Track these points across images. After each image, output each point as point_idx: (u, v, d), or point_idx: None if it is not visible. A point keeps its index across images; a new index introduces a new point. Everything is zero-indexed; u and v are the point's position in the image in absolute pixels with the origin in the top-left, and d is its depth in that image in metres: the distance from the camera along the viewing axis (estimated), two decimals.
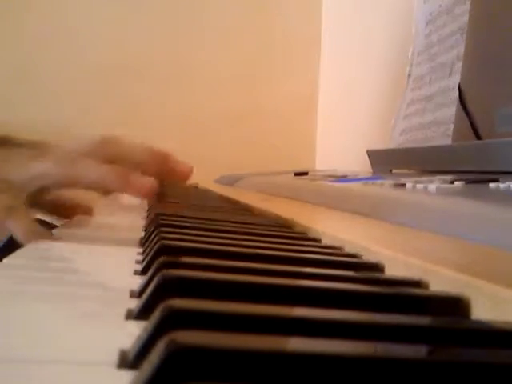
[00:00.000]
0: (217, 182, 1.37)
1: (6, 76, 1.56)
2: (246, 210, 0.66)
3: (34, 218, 0.48)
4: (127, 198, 0.87)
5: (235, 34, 1.71)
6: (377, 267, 0.31)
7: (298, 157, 1.68)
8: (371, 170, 0.96)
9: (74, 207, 0.58)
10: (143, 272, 0.30)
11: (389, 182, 0.59)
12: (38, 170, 0.47)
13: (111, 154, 0.48)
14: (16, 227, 0.45)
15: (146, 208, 0.69)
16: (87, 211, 0.58)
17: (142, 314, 0.22)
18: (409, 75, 1.03)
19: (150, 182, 0.46)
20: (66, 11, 1.63)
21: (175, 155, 0.52)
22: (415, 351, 0.17)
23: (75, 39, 1.62)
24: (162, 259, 0.27)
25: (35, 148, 0.50)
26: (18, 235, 0.45)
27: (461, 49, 0.83)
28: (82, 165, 0.46)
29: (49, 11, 1.61)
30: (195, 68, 1.68)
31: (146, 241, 0.42)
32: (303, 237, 0.43)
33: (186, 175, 0.51)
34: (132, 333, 0.20)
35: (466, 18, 0.83)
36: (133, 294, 0.26)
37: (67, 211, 0.57)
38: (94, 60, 1.61)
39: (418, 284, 0.26)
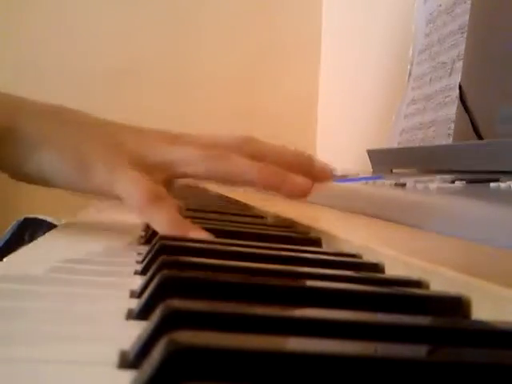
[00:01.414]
0: None
1: (6, 78, 1.56)
2: (247, 209, 0.66)
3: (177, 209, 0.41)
4: None
5: (235, 35, 1.71)
6: (377, 267, 0.30)
7: None
8: (371, 170, 0.96)
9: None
10: (143, 272, 0.30)
11: (389, 181, 0.59)
12: (179, 155, 0.42)
13: (256, 151, 0.43)
14: (160, 217, 0.39)
15: None
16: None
17: (142, 313, 0.22)
18: (409, 74, 1.03)
19: (306, 182, 0.42)
20: (68, 13, 1.63)
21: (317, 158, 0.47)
22: (415, 351, 0.17)
23: (76, 41, 1.62)
24: (162, 259, 0.27)
25: (161, 132, 0.45)
26: (161, 226, 0.39)
27: (461, 48, 0.83)
28: (232, 158, 0.42)
29: (50, 13, 1.61)
30: (196, 68, 1.68)
31: (146, 241, 0.42)
32: (303, 237, 0.43)
33: (328, 178, 0.47)
34: (132, 333, 0.20)
35: (466, 18, 0.83)
36: (133, 294, 0.26)
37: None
38: (94, 61, 1.61)
39: (418, 284, 0.26)
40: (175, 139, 0.44)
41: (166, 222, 0.39)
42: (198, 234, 0.38)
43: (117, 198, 0.41)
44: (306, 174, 0.44)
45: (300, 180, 0.42)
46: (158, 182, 0.41)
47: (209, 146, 0.43)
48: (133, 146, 0.42)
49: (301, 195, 0.43)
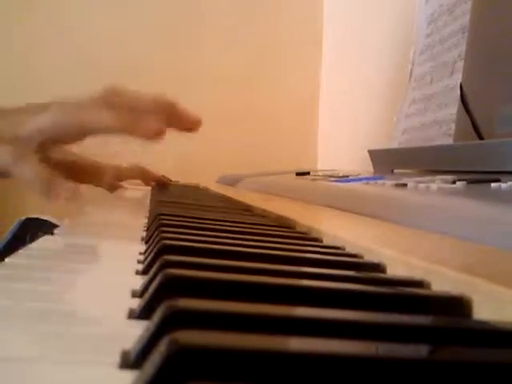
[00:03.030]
0: (218, 181, 1.37)
1: (5, 76, 1.56)
2: (248, 210, 0.66)
3: (45, 165, 0.46)
4: (129, 194, 0.87)
5: (237, 36, 1.71)
6: (378, 267, 0.31)
7: (299, 157, 1.68)
8: (373, 170, 0.96)
9: (89, 171, 0.56)
10: (145, 272, 0.30)
11: (390, 181, 0.59)
12: (42, 120, 0.47)
13: (116, 102, 0.47)
14: (26, 172, 0.44)
15: (148, 208, 0.69)
16: (102, 175, 0.58)
17: (143, 313, 0.22)
18: (410, 75, 1.03)
19: (158, 124, 0.45)
20: (67, 12, 1.63)
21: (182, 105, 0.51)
22: (417, 351, 0.17)
23: (76, 40, 1.62)
24: (163, 259, 0.27)
25: (36, 105, 0.49)
26: (29, 181, 0.44)
27: (462, 48, 0.83)
28: (89, 111, 0.46)
29: (49, 12, 1.61)
30: (197, 69, 1.68)
31: (147, 240, 0.42)
32: (304, 237, 0.43)
33: (194, 125, 0.51)
34: (134, 332, 0.20)
35: (467, 18, 0.83)
36: (134, 294, 0.26)
37: (82, 175, 0.56)
38: (94, 61, 1.61)
39: (419, 284, 0.26)
40: (43, 108, 0.48)
41: (31, 176, 0.44)
42: (65, 190, 0.43)
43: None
44: (171, 121, 0.48)
45: (153, 123, 0.45)
46: (34, 150, 0.46)
47: (68, 104, 0.48)
48: (6, 129, 0.47)
49: (153, 137, 0.46)
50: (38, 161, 0.46)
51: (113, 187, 0.71)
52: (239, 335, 0.17)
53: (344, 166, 1.23)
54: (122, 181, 0.84)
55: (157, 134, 0.46)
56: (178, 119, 0.49)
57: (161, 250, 0.31)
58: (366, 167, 1.02)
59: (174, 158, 1.25)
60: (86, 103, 0.47)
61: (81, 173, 0.57)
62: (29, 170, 0.44)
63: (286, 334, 0.18)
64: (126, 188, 0.87)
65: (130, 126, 0.45)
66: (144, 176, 0.90)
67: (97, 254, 0.39)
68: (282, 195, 0.78)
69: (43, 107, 0.48)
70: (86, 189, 0.57)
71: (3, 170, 0.46)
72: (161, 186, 1.00)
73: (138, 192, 0.97)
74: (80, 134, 0.49)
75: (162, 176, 0.98)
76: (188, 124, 0.50)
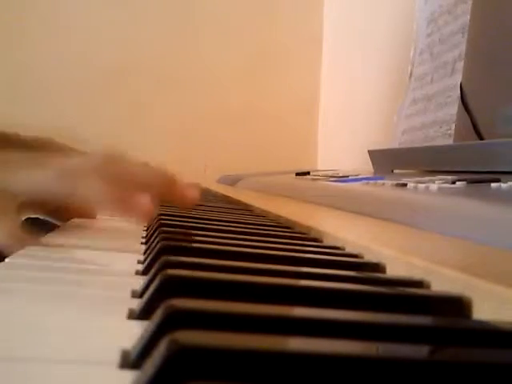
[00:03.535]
0: (218, 181, 1.37)
1: (7, 77, 1.56)
2: (248, 209, 0.66)
3: (21, 227, 0.46)
4: None
5: (237, 35, 1.71)
6: (378, 267, 0.31)
7: (299, 157, 1.68)
8: (373, 170, 0.96)
9: (76, 210, 0.57)
10: (145, 272, 0.31)
11: (390, 181, 0.59)
12: (37, 180, 0.45)
13: (115, 173, 0.46)
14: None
15: None
16: (90, 214, 0.57)
17: (143, 313, 0.22)
18: (410, 75, 1.03)
19: (148, 209, 0.44)
20: (68, 12, 1.63)
21: (182, 179, 0.49)
22: (417, 351, 0.17)
23: (76, 40, 1.62)
24: (163, 259, 0.27)
25: (36, 149, 0.49)
26: (1, 239, 0.43)
27: (462, 48, 0.83)
28: (82, 182, 0.45)
29: (50, 12, 1.61)
30: (197, 68, 1.68)
31: (147, 241, 0.42)
32: (304, 237, 0.43)
33: (190, 202, 0.49)
34: (134, 333, 0.20)
35: (467, 18, 0.83)
36: (135, 294, 0.26)
37: (69, 214, 0.56)
38: (95, 60, 1.61)
39: (419, 284, 0.26)
40: (37, 162, 0.47)
41: (3, 236, 0.43)
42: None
43: None
44: (169, 195, 0.47)
45: (142, 206, 0.43)
46: (20, 204, 0.46)
47: (66, 171, 0.46)
48: None
49: (141, 218, 0.45)
50: (15, 221, 0.45)
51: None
52: (239, 335, 0.17)
53: (344, 166, 1.23)
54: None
55: (145, 216, 0.45)
56: (175, 196, 0.48)
57: (161, 251, 0.31)
58: (366, 167, 1.02)
59: (174, 158, 1.25)
60: (80, 172, 0.46)
61: (68, 214, 0.56)
62: (2, 228, 0.44)
63: (286, 334, 0.18)
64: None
65: (120, 205, 0.44)
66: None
67: (96, 255, 0.39)
68: (282, 195, 0.78)
69: (37, 160, 0.47)
70: None
71: None
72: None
73: None
74: (68, 201, 0.48)
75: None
76: (184, 201, 0.49)
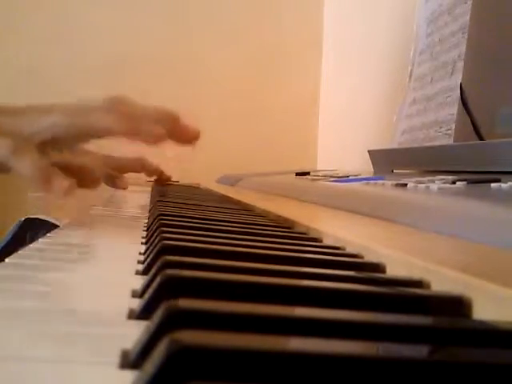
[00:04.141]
0: (218, 181, 1.37)
1: (8, 75, 1.56)
2: (248, 210, 0.66)
3: (45, 160, 0.48)
4: (130, 202, 0.87)
5: (237, 35, 1.71)
6: (378, 267, 0.31)
7: (299, 157, 1.68)
8: (373, 170, 0.96)
9: (82, 172, 0.58)
10: (145, 272, 0.31)
11: (390, 182, 0.59)
12: (48, 120, 0.48)
13: (121, 108, 0.50)
14: (23, 165, 0.46)
15: (148, 208, 0.69)
16: (94, 179, 0.59)
17: (143, 313, 0.22)
18: (410, 75, 1.03)
19: (159, 131, 0.48)
20: (67, 11, 1.63)
21: (184, 117, 0.53)
22: (417, 351, 0.17)
23: (75, 39, 1.62)
24: (163, 259, 0.27)
25: (41, 106, 0.51)
26: (26, 173, 0.46)
27: (462, 48, 0.83)
28: (93, 114, 0.49)
29: (52, 10, 1.61)
30: (198, 68, 1.68)
31: (147, 241, 0.42)
32: (304, 237, 0.43)
33: (192, 138, 0.53)
34: (134, 333, 0.20)
35: (467, 18, 0.83)
36: (135, 294, 0.26)
37: (77, 174, 0.57)
38: (97, 58, 1.61)
39: (419, 284, 0.26)
40: (47, 109, 0.50)
41: (28, 169, 0.46)
42: (60, 184, 0.45)
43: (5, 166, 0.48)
44: (173, 132, 0.51)
45: (153, 129, 0.49)
46: (37, 146, 0.48)
47: (76, 110, 0.50)
48: (5, 126, 0.49)
49: (153, 142, 0.50)
50: (37, 155, 0.47)
51: (112, 179, 0.70)
52: (239, 335, 0.17)
53: (344, 166, 1.23)
54: (122, 173, 0.82)
55: (156, 140, 0.49)
56: (178, 131, 0.52)
57: (161, 251, 0.31)
58: (366, 167, 1.02)
59: (174, 158, 1.25)
60: (90, 107, 0.49)
61: (77, 175, 0.57)
62: (28, 163, 0.46)
63: (286, 334, 0.18)
64: (127, 182, 0.84)
65: (131, 131, 0.48)
66: (146, 169, 0.90)
67: (97, 254, 0.39)
68: (282, 195, 0.78)
69: (48, 109, 0.50)
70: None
71: (2, 164, 0.47)
72: (161, 182, 1.00)
73: (137, 191, 0.97)
74: (81, 136, 0.51)
75: (163, 172, 0.98)
76: (187, 137, 0.53)
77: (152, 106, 0.52)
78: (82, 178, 0.57)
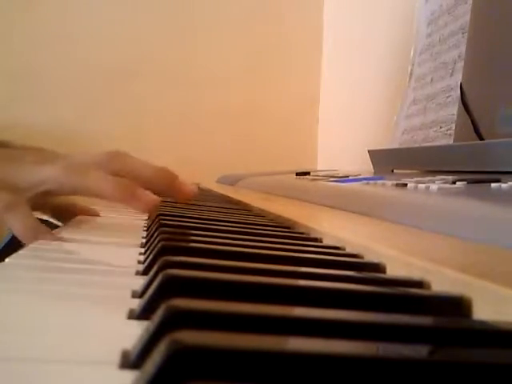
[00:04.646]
0: (218, 181, 1.37)
1: (5, 78, 1.56)
2: (248, 210, 0.66)
3: (35, 217, 0.49)
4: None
5: (237, 35, 1.71)
6: (378, 267, 0.31)
7: (299, 157, 1.68)
8: (373, 170, 0.96)
9: (79, 211, 0.58)
10: (145, 272, 0.31)
11: (390, 181, 0.59)
12: (46, 174, 0.48)
13: (119, 169, 0.49)
14: (15, 222, 0.46)
15: None
16: (92, 215, 0.59)
17: (144, 313, 0.22)
18: (410, 75, 1.03)
19: (153, 200, 0.48)
20: (67, 12, 1.63)
21: (181, 177, 0.54)
22: (417, 351, 0.17)
23: (76, 40, 1.62)
24: (163, 259, 0.27)
25: (39, 153, 0.51)
26: (17, 231, 0.46)
27: (462, 48, 0.83)
28: (90, 174, 0.48)
29: (50, 12, 1.61)
30: (198, 68, 1.68)
31: (147, 241, 0.42)
32: (304, 237, 0.43)
33: (189, 197, 0.54)
34: (134, 333, 0.20)
35: (467, 18, 0.83)
36: (135, 294, 0.26)
37: (71, 215, 0.58)
38: (94, 60, 1.61)
39: (419, 284, 0.26)
40: (44, 160, 0.50)
41: (19, 227, 0.46)
42: (48, 237, 0.45)
43: None
44: (168, 191, 0.52)
45: (148, 197, 0.48)
46: (29, 199, 0.48)
47: (74, 165, 0.49)
48: (4, 177, 0.49)
49: (147, 211, 0.50)
50: (28, 211, 0.48)
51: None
52: (239, 335, 0.17)
53: (344, 166, 1.23)
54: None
55: (148, 210, 0.50)
56: (175, 191, 0.53)
57: (161, 251, 0.31)
58: (366, 167, 1.02)
59: (174, 158, 1.25)
60: (87, 166, 0.49)
61: (70, 214, 0.58)
62: (19, 220, 0.46)
63: (286, 334, 0.18)
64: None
65: (125, 198, 0.48)
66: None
67: (97, 255, 0.39)
68: (282, 195, 0.78)
69: (45, 159, 0.50)
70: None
71: None
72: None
73: None
74: (76, 193, 0.51)
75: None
76: (183, 196, 0.54)
77: (151, 166, 0.52)
78: (71, 214, 0.59)
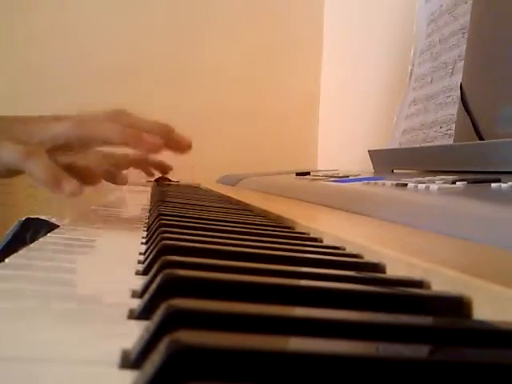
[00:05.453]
0: (219, 181, 1.37)
1: (6, 78, 1.56)
2: (248, 210, 0.66)
3: (55, 164, 0.52)
4: (131, 204, 0.87)
5: (237, 35, 1.71)
6: (378, 267, 0.31)
7: (299, 157, 1.69)
8: (373, 170, 0.96)
9: (85, 172, 0.61)
10: (145, 272, 0.31)
11: (390, 182, 0.59)
12: (57, 129, 0.53)
13: (123, 120, 0.55)
14: (36, 168, 0.50)
15: (148, 207, 0.69)
16: (95, 178, 0.63)
17: (144, 313, 0.22)
18: (410, 75, 1.03)
19: (158, 141, 0.54)
20: (68, 11, 1.63)
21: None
22: (417, 351, 0.17)
23: (77, 39, 1.62)
24: (163, 259, 0.27)
25: (52, 116, 0.56)
26: (38, 176, 0.50)
27: (462, 48, 0.83)
28: (97, 124, 0.54)
29: (51, 11, 1.61)
30: (198, 68, 1.68)
31: (147, 241, 0.42)
32: (304, 237, 0.43)
33: (186, 146, 0.61)
34: (134, 333, 0.20)
35: (467, 18, 0.83)
36: (135, 294, 0.26)
37: (80, 173, 0.61)
38: (96, 60, 1.61)
39: (419, 284, 0.26)
40: (54, 119, 0.56)
41: (40, 172, 0.51)
42: (70, 184, 0.50)
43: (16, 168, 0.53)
44: (168, 142, 0.58)
45: (153, 139, 0.55)
46: (47, 151, 0.53)
47: (83, 120, 0.55)
48: (19, 133, 0.54)
49: (151, 150, 0.56)
50: (48, 159, 0.51)
51: (112, 175, 0.71)
52: (239, 335, 0.17)
53: (344, 166, 1.23)
54: (122, 169, 0.75)
55: (155, 149, 0.55)
56: (173, 141, 0.59)
57: (161, 251, 0.31)
58: (366, 167, 1.02)
59: (174, 158, 1.25)
60: (95, 118, 0.55)
61: (80, 174, 0.61)
62: (40, 166, 0.50)
63: (286, 334, 0.18)
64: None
65: (133, 140, 0.54)
66: (145, 163, 0.79)
67: (97, 255, 0.39)
68: (283, 195, 0.78)
69: (57, 118, 0.55)
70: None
71: (14, 167, 0.52)
72: (163, 177, 0.98)
73: (137, 192, 0.97)
74: (88, 143, 0.56)
75: (164, 164, 0.83)
76: (181, 146, 0.60)
77: (151, 120, 0.58)
78: (85, 176, 0.61)
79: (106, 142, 0.56)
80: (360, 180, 0.70)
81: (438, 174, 0.61)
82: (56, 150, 0.54)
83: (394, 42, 1.29)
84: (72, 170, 0.60)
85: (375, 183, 0.63)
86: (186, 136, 0.61)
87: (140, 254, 0.38)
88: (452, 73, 0.87)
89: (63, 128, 0.54)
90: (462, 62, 0.82)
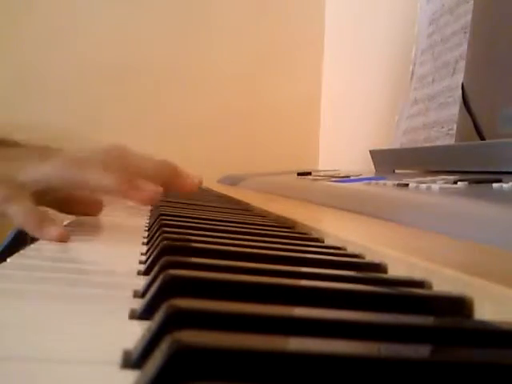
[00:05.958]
0: (220, 182, 1.37)
1: (6, 78, 1.56)
2: (249, 210, 0.66)
3: (37, 207, 0.48)
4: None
5: (238, 35, 1.71)
6: (380, 267, 0.31)
7: (301, 157, 1.68)
8: (374, 170, 0.96)
9: (84, 203, 0.57)
10: (146, 272, 0.31)
11: (392, 182, 0.59)
12: (46, 170, 0.48)
13: (119, 164, 0.49)
14: (15, 212, 0.46)
15: (150, 208, 0.69)
16: (97, 207, 0.58)
17: (145, 313, 0.22)
18: (412, 75, 1.03)
19: (153, 190, 0.47)
20: (69, 12, 1.63)
21: (183, 169, 0.52)
22: (418, 351, 0.17)
23: (77, 41, 1.62)
24: (165, 259, 0.27)
25: (40, 151, 0.50)
26: (18, 220, 0.46)
27: (464, 48, 0.83)
28: (90, 170, 0.47)
29: (51, 12, 1.61)
30: (199, 68, 1.68)
31: (149, 241, 0.42)
32: (306, 237, 0.43)
33: (193, 187, 0.52)
34: (135, 333, 0.20)
35: (469, 18, 0.83)
36: (136, 294, 0.26)
37: (77, 208, 0.57)
38: (96, 61, 1.61)
39: (421, 284, 0.26)
40: (44, 156, 0.49)
41: (20, 216, 0.46)
42: (53, 230, 0.44)
43: None
44: (171, 185, 0.51)
45: (147, 188, 0.47)
46: (32, 194, 0.48)
47: (73, 160, 0.49)
48: (4, 172, 0.48)
49: (147, 202, 0.49)
50: (30, 203, 0.47)
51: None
52: (240, 335, 0.17)
53: (345, 166, 1.23)
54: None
55: (150, 201, 0.49)
56: (177, 184, 0.52)
57: (162, 251, 0.31)
58: (367, 167, 1.02)
59: (175, 158, 1.25)
60: (87, 161, 0.48)
61: (76, 205, 0.57)
62: (21, 211, 0.46)
63: (287, 334, 0.18)
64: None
65: (125, 191, 0.47)
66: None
67: (98, 255, 0.39)
68: (284, 195, 0.78)
69: (45, 155, 0.50)
70: None
71: None
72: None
73: None
74: (76, 189, 0.51)
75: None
76: (187, 188, 0.52)
77: (151, 159, 0.51)
78: (86, 207, 0.57)
79: (96, 192, 0.51)
80: (361, 180, 0.70)
81: (439, 174, 0.61)
82: (41, 192, 0.49)
83: (396, 41, 1.29)
84: (71, 203, 0.56)
85: (376, 183, 0.63)
86: (190, 176, 0.53)
87: (141, 254, 0.38)
88: (453, 73, 0.87)
89: (50, 170, 0.48)
90: (464, 61, 0.82)
